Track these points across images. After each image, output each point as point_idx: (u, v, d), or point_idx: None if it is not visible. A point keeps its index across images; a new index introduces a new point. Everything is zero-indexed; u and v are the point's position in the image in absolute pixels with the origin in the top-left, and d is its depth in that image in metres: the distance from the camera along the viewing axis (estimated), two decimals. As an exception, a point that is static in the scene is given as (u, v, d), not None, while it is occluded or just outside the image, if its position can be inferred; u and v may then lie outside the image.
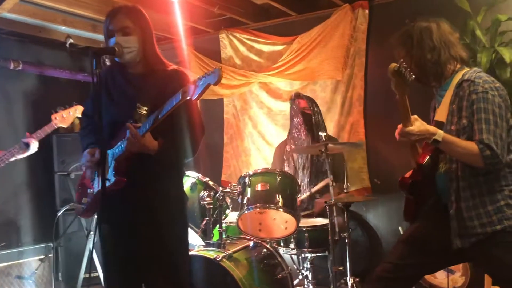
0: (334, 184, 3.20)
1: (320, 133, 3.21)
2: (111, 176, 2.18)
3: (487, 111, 2.04)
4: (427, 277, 3.62)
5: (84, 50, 5.22)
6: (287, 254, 3.40)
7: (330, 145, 3.21)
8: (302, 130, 3.82)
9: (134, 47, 2.23)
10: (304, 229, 3.25)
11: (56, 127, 3.67)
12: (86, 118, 2.52)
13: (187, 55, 4.99)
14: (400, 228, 4.00)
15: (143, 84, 2.27)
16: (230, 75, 4.88)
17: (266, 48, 4.82)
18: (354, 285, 3.12)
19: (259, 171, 3.26)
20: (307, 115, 3.85)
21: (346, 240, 3.14)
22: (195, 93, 1.95)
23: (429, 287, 3.66)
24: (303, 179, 3.78)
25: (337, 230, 3.04)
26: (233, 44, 4.98)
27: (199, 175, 3.34)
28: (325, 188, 3.68)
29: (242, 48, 4.94)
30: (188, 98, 1.98)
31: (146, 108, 2.20)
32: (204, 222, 3.20)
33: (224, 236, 3.16)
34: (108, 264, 2.36)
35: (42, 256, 4.46)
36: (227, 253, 2.94)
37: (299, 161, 3.86)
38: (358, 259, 3.86)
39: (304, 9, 4.64)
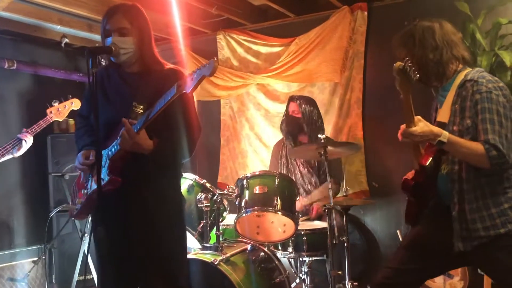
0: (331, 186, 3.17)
1: (319, 135, 3.17)
2: (105, 176, 2.13)
3: (491, 111, 2.01)
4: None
5: (79, 50, 5.17)
6: (284, 257, 3.36)
7: (328, 148, 3.17)
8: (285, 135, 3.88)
9: (130, 49, 2.19)
10: (302, 233, 3.21)
11: (51, 121, 3.62)
12: (81, 119, 2.47)
13: (184, 55, 4.95)
14: (398, 231, 3.98)
15: (139, 83, 2.23)
16: (227, 76, 4.84)
17: (263, 49, 4.79)
18: (353, 289, 3.09)
19: (257, 173, 3.22)
20: (294, 119, 3.84)
21: (345, 244, 3.10)
22: (190, 86, 1.91)
23: (427, 291, 3.64)
24: (301, 182, 3.76)
25: (336, 233, 3.00)
26: (230, 45, 4.94)
27: (196, 177, 3.29)
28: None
29: (239, 49, 4.90)
30: (184, 91, 1.93)
31: (142, 107, 2.16)
32: (201, 225, 3.16)
33: (221, 239, 3.12)
34: (103, 267, 2.32)
35: (35, 258, 4.42)
36: (224, 257, 2.90)
37: (293, 162, 3.85)
38: (356, 262, 3.84)
39: (303, 10, 4.61)
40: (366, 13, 4.28)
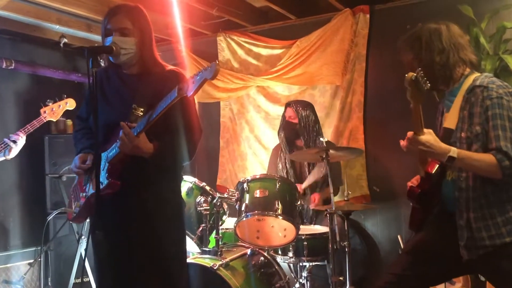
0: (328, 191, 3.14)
1: (321, 139, 3.13)
2: (104, 179, 2.10)
3: (502, 117, 1.97)
4: None
5: (78, 50, 5.12)
6: (284, 262, 3.32)
7: (329, 151, 3.13)
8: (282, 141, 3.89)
9: (131, 49, 2.16)
10: (303, 237, 3.16)
11: (45, 120, 3.58)
12: (80, 120, 2.43)
13: (184, 57, 4.92)
14: (399, 236, 3.94)
15: (139, 85, 2.20)
16: (227, 78, 4.80)
17: (264, 51, 4.75)
18: (354, 295, 3.05)
19: (257, 176, 3.18)
20: (291, 125, 3.83)
21: (346, 249, 3.06)
22: (191, 89, 1.87)
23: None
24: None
25: (337, 239, 2.96)
26: (230, 47, 4.91)
27: (196, 180, 3.25)
28: (315, 184, 3.70)
29: (240, 51, 4.87)
30: (185, 95, 1.90)
31: (142, 109, 2.13)
32: (200, 229, 3.12)
33: (220, 243, 3.07)
34: (101, 270, 2.27)
35: (31, 261, 4.38)
36: (224, 261, 2.86)
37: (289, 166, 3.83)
38: (356, 267, 3.79)
39: (304, 12, 4.58)
40: (368, 15, 4.25)
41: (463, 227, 2.07)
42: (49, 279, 4.36)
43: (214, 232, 3.07)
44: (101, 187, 2.05)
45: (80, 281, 4.20)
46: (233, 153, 4.94)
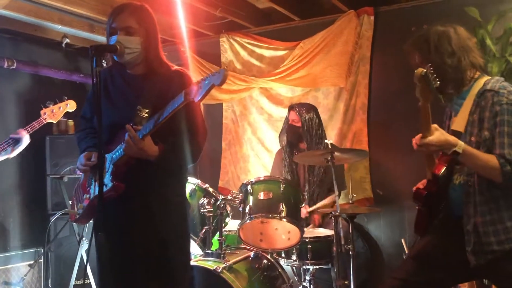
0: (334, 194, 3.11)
1: (326, 141, 3.10)
2: (108, 182, 2.08)
3: (510, 124, 1.95)
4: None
5: (80, 51, 5.10)
6: (288, 265, 3.28)
7: (335, 154, 3.10)
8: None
9: (136, 49, 2.13)
10: (307, 240, 3.13)
11: (45, 122, 3.55)
12: (84, 120, 2.40)
13: (187, 58, 4.89)
14: (402, 240, 3.90)
15: (143, 86, 2.17)
16: (230, 79, 4.77)
17: (267, 53, 4.72)
18: (358, 299, 3.01)
19: (261, 178, 3.15)
20: (294, 128, 3.80)
21: (350, 252, 3.03)
22: (198, 94, 1.84)
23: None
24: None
25: (342, 242, 2.93)
26: (233, 48, 4.88)
27: (199, 181, 3.22)
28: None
29: (242, 53, 4.84)
30: (191, 99, 1.87)
31: (147, 110, 2.10)
32: (203, 231, 3.08)
33: (223, 245, 3.04)
34: (103, 274, 2.23)
35: (32, 262, 4.34)
36: (227, 264, 2.83)
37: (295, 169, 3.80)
38: (359, 271, 3.76)
39: (308, 14, 4.55)
40: (372, 17, 4.22)
41: (470, 232, 2.04)
42: (50, 280, 4.32)
43: (217, 234, 3.04)
44: (105, 189, 2.02)
45: (80, 283, 4.16)
46: (235, 155, 4.91)
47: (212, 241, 3.12)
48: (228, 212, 3.26)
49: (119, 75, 2.25)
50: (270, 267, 3.07)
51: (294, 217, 2.99)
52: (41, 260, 4.44)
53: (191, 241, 3.04)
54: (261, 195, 3.01)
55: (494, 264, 2.00)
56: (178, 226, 2.18)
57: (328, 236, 3.19)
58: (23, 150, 3.50)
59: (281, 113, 4.61)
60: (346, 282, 2.96)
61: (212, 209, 3.03)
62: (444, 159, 2.15)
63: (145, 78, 2.18)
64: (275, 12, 4.60)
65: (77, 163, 2.22)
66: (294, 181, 3.75)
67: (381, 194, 4.18)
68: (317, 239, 3.19)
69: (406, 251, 3.65)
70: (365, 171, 4.23)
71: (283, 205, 2.97)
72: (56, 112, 3.56)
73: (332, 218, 2.99)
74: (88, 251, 1.90)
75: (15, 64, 4.41)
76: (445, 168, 2.14)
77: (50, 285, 4.31)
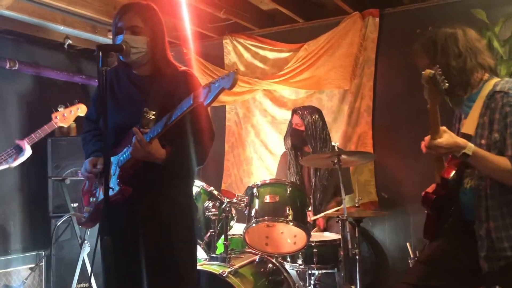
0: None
1: (333, 143, 3.07)
2: (114, 185, 2.04)
3: None
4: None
5: (82, 52, 5.07)
6: (293, 270, 3.24)
7: (341, 156, 3.06)
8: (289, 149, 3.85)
9: (142, 48, 2.09)
10: (313, 244, 3.10)
11: (56, 126, 3.51)
12: (89, 122, 2.36)
13: (190, 60, 4.86)
14: (407, 244, 3.85)
15: (150, 87, 2.14)
16: (233, 81, 4.73)
17: (271, 55, 4.69)
18: (365, 304, 2.98)
19: (267, 181, 3.11)
20: (297, 132, 3.78)
21: (357, 257, 2.99)
22: (207, 98, 1.81)
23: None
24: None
25: (350, 246, 2.89)
26: (237, 50, 4.85)
27: (204, 184, 3.19)
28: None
29: (246, 54, 4.81)
30: (200, 102, 1.83)
31: (154, 112, 2.07)
32: (208, 234, 3.05)
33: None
34: (109, 278, 2.18)
35: (33, 265, 4.31)
36: (233, 268, 2.80)
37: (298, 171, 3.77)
38: (364, 275, 3.73)
39: (312, 16, 4.52)
40: (377, 19, 4.19)
41: (483, 238, 2.01)
42: (51, 284, 4.28)
43: (222, 238, 3.00)
44: (111, 192, 1.98)
45: (82, 286, 4.13)
46: (238, 158, 4.87)
47: (217, 244, 3.08)
48: (233, 215, 3.22)
49: (124, 75, 2.22)
50: (275, 272, 3.04)
51: (301, 221, 2.95)
52: (42, 263, 4.41)
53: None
54: (267, 198, 2.98)
55: (507, 271, 1.97)
56: (185, 228, 2.15)
57: (334, 240, 3.15)
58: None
59: (285, 115, 4.58)
60: (353, 287, 2.92)
61: (217, 212, 2.99)
62: (453, 163, 2.12)
63: (152, 78, 2.15)
64: (279, 14, 4.57)
65: (82, 168, 2.19)
66: (300, 184, 3.72)
67: (386, 198, 4.14)
68: (323, 243, 3.16)
69: (411, 255, 3.61)
70: (370, 174, 4.19)
71: (290, 208, 2.93)
72: (67, 116, 3.53)
73: (339, 221, 2.95)
74: (93, 255, 1.86)
75: (17, 65, 4.38)
76: (454, 171, 2.12)
77: (51, 288, 4.28)
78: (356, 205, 3.15)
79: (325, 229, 3.59)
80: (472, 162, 1.98)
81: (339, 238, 3.10)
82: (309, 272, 3.22)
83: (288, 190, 2.99)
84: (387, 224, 4.18)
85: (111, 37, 4.71)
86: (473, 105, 2.10)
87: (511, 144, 1.92)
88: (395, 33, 4.12)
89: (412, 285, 2.17)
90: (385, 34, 4.19)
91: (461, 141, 1.96)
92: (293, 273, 3.20)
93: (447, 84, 1.88)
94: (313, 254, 3.11)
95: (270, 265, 3.05)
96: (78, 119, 4.48)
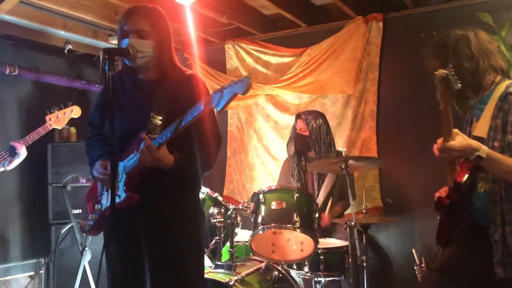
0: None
1: (340, 149, 3.02)
2: (121, 192, 1.99)
3: None
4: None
5: (83, 57, 5.02)
6: (299, 277, 3.19)
7: (349, 162, 3.02)
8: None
9: (148, 52, 2.05)
10: (319, 251, 3.04)
11: (50, 128, 3.47)
12: (92, 127, 2.31)
13: (192, 65, 4.82)
14: (413, 250, 3.81)
15: (155, 92, 2.09)
16: (235, 86, 4.69)
17: (273, 59, 4.66)
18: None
19: (274, 187, 3.07)
20: (301, 137, 3.73)
21: (364, 264, 2.94)
22: (219, 103, 1.76)
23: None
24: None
25: (358, 254, 2.84)
26: (239, 55, 4.82)
27: (208, 190, 3.13)
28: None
29: (248, 59, 4.77)
30: (212, 107, 1.79)
31: (160, 117, 2.03)
32: (213, 241, 2.99)
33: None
34: (115, 285, 2.13)
35: (32, 273, 4.25)
36: (239, 277, 2.74)
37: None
38: (369, 281, 3.68)
39: (315, 20, 4.49)
40: (381, 24, 4.16)
41: (498, 242, 1.97)
42: (51, 292, 4.22)
43: (229, 245, 2.95)
44: (117, 200, 1.93)
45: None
46: (240, 163, 4.82)
47: (222, 252, 3.03)
48: (238, 222, 3.17)
49: (129, 80, 2.17)
50: (281, 279, 2.99)
51: (308, 228, 2.89)
52: (42, 271, 4.34)
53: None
54: (274, 205, 2.92)
55: (523, 277, 1.93)
56: (192, 235, 2.10)
57: (341, 247, 3.10)
58: (24, 158, 3.41)
59: (288, 120, 4.54)
60: (361, 294, 2.88)
61: (222, 219, 2.94)
62: (466, 166, 2.09)
63: (157, 83, 2.11)
64: (281, 19, 4.54)
65: (94, 172, 2.13)
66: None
67: (391, 203, 4.10)
68: (330, 250, 3.10)
69: (417, 261, 3.57)
70: (374, 180, 4.15)
71: (297, 215, 2.87)
72: (61, 118, 3.49)
73: (347, 228, 2.90)
74: (100, 263, 1.81)
75: (17, 70, 4.33)
76: (467, 175, 2.08)
77: (51, 296, 4.21)
78: (364, 211, 3.10)
79: (329, 231, 3.53)
80: (485, 165, 1.95)
81: (346, 245, 3.06)
82: (315, 279, 3.16)
83: (295, 196, 2.94)
84: (392, 230, 4.13)
85: (112, 42, 4.68)
86: (484, 107, 2.07)
87: None
88: (399, 38, 4.10)
89: None
90: (389, 38, 4.16)
91: (475, 143, 1.93)
92: (299, 280, 3.15)
93: (459, 84, 1.85)
94: (320, 261, 3.05)
95: (276, 272, 3.00)
96: (79, 124, 4.45)
